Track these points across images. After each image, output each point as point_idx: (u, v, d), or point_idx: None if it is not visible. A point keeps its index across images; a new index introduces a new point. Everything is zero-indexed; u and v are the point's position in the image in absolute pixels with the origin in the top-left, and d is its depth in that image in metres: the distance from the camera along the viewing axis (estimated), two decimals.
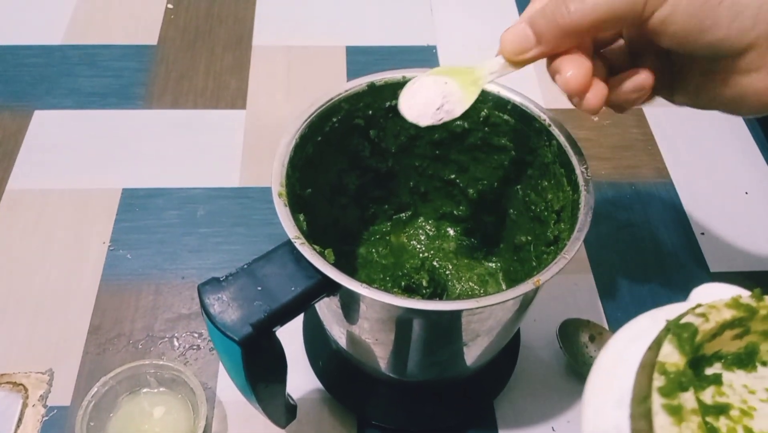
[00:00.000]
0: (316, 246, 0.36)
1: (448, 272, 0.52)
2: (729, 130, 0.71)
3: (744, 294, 0.29)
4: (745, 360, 0.29)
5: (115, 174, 0.64)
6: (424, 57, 0.76)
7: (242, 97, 0.71)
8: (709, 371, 0.28)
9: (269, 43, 0.77)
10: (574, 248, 0.36)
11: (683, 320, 0.27)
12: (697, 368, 0.28)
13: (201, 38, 0.77)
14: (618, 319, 0.56)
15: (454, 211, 0.53)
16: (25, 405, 0.50)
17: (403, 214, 0.54)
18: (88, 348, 0.53)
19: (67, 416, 0.49)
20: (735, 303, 0.28)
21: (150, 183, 0.64)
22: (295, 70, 0.74)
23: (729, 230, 0.63)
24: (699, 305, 0.28)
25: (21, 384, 0.51)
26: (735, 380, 0.28)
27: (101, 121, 0.69)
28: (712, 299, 0.28)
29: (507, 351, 0.51)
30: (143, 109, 0.70)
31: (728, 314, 0.27)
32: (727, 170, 0.68)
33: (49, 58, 0.74)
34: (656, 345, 0.26)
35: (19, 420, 0.49)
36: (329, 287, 0.35)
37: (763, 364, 0.29)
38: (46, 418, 0.49)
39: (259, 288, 0.34)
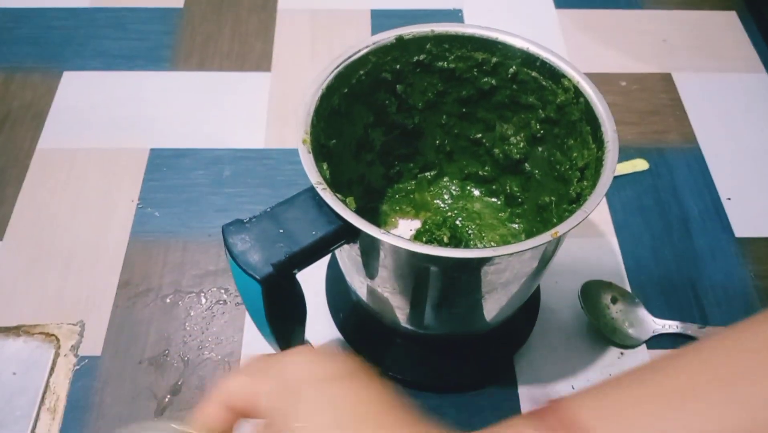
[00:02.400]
0: (338, 194, 0.36)
1: (470, 232, 0.52)
2: (757, 96, 0.70)
3: None
4: None
5: (142, 134, 0.65)
6: (450, 20, 0.74)
7: (267, 59, 0.72)
8: None
9: (294, 6, 0.77)
10: (595, 201, 0.36)
11: None
12: None
13: (227, 1, 0.77)
14: (641, 282, 0.56)
15: (479, 172, 0.53)
16: (57, 355, 0.51)
17: (428, 174, 0.54)
18: (117, 302, 0.54)
19: (98, 365, 0.51)
20: None
21: (177, 144, 0.64)
22: (319, 33, 0.74)
23: (755, 195, 0.62)
24: None
25: (53, 335, 0.53)
26: None
27: (129, 82, 0.69)
28: None
29: (526, 309, 0.52)
30: (169, 71, 0.71)
31: None
32: (754, 136, 0.67)
33: (77, 21, 0.75)
34: None
35: (52, 369, 0.51)
36: (349, 233, 0.36)
37: None
38: (77, 367, 0.51)
39: (281, 231, 0.35)
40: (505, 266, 0.38)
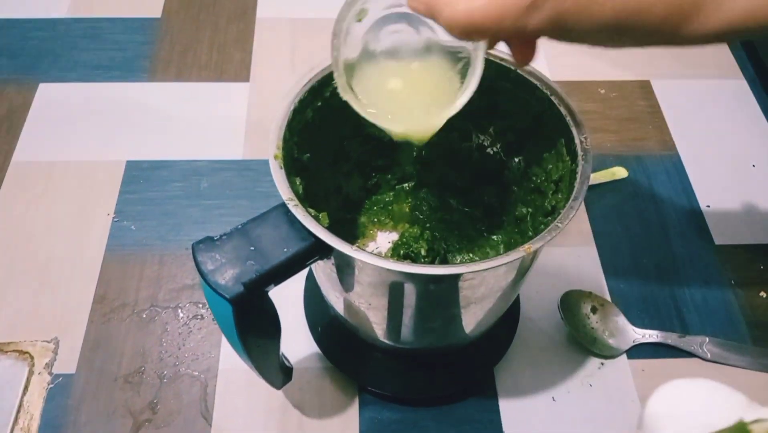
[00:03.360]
0: (311, 209, 0.36)
1: (448, 243, 0.52)
2: (737, 103, 0.70)
3: (706, 402, 0.25)
4: None
5: (119, 146, 0.64)
6: None
7: (246, 69, 0.71)
8: None
9: (273, 15, 0.77)
10: (568, 216, 0.36)
11: None
12: None
13: (205, 10, 0.77)
14: (621, 291, 0.56)
15: (458, 182, 0.53)
16: (31, 373, 0.51)
17: (407, 185, 0.54)
18: (92, 317, 0.53)
19: (72, 383, 0.50)
20: None
21: (154, 155, 0.64)
22: (299, 42, 0.74)
23: (735, 202, 0.62)
24: None
25: (27, 352, 0.52)
26: None
27: (105, 93, 0.69)
28: (673, 415, 0.25)
29: (506, 321, 0.52)
30: (147, 82, 0.70)
31: None
32: (734, 143, 0.67)
33: (54, 32, 0.74)
34: None
35: (26, 387, 0.50)
36: (322, 250, 0.35)
37: None
38: (52, 385, 0.50)
39: (252, 248, 0.35)
40: (480, 281, 0.37)
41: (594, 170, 0.62)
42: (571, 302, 0.53)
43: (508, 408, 0.50)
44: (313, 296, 0.52)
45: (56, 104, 0.68)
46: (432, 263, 0.48)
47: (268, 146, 0.39)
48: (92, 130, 0.66)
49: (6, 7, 0.76)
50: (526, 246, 0.35)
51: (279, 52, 0.73)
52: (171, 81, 0.70)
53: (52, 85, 0.69)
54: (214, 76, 0.71)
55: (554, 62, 0.71)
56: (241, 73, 0.71)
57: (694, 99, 0.70)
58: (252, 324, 0.36)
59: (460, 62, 0.39)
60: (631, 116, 0.68)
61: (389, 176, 0.53)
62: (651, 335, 0.53)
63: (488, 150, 0.49)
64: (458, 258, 0.51)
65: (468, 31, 0.34)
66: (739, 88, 0.72)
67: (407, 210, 0.53)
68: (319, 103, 0.43)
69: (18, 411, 0.49)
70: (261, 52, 0.73)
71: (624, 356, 0.52)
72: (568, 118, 0.40)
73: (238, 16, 0.76)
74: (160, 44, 0.73)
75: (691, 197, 0.62)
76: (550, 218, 0.42)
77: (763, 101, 0.71)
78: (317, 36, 0.75)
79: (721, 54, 0.75)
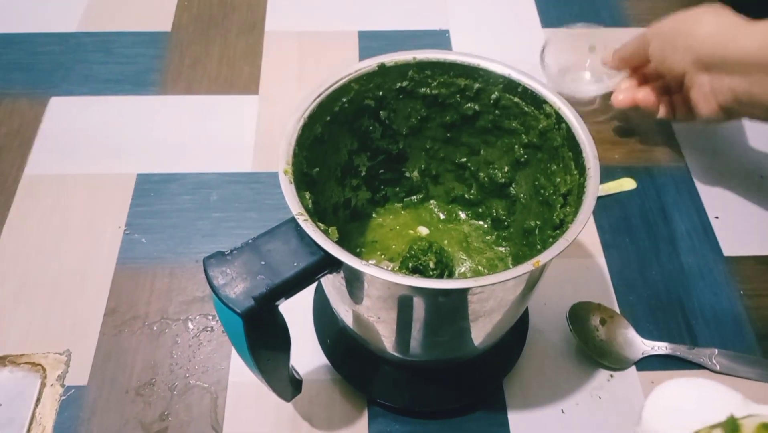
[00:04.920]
0: (320, 224, 0.36)
1: (456, 256, 0.52)
2: None
3: (704, 400, 0.25)
4: None
5: (129, 159, 0.65)
6: (437, 41, 0.76)
7: (255, 82, 0.72)
8: None
9: (282, 29, 0.77)
10: (576, 230, 0.36)
11: None
12: None
13: (214, 25, 0.78)
14: (630, 303, 0.56)
15: (465, 195, 0.53)
16: (43, 385, 0.51)
17: (415, 197, 0.54)
18: (104, 330, 0.54)
19: (84, 395, 0.50)
20: None
21: (164, 168, 0.64)
22: (307, 55, 0.75)
23: (743, 214, 0.62)
24: None
25: (39, 364, 0.52)
26: None
27: (116, 107, 0.69)
28: (670, 411, 0.24)
29: (515, 333, 0.52)
30: (157, 96, 0.71)
31: None
32: (742, 154, 0.67)
33: (65, 46, 0.75)
34: None
35: (38, 400, 0.50)
36: (331, 264, 0.36)
37: None
38: (64, 397, 0.50)
39: (263, 263, 0.35)
40: (489, 295, 0.38)
41: (602, 181, 0.63)
42: (579, 314, 0.53)
43: (517, 421, 0.50)
44: (323, 309, 0.53)
45: (67, 118, 0.68)
46: (440, 275, 0.49)
47: (277, 161, 0.39)
48: (103, 143, 0.66)
49: (17, 22, 0.77)
50: (535, 260, 0.35)
51: (287, 65, 0.74)
52: (181, 94, 0.71)
53: (64, 99, 0.70)
54: (224, 90, 0.71)
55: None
56: (250, 87, 0.71)
57: None
58: (262, 338, 0.37)
59: None
60: (639, 128, 0.69)
61: (397, 189, 0.53)
62: (660, 347, 0.53)
63: (496, 163, 0.49)
64: (467, 271, 0.51)
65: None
66: None
67: (415, 222, 0.54)
68: (328, 118, 0.43)
69: (30, 423, 0.49)
70: (270, 65, 0.74)
71: (633, 368, 0.52)
72: (578, 132, 0.41)
73: (246, 30, 0.77)
74: (170, 58, 0.74)
75: (699, 208, 0.62)
76: (558, 231, 0.42)
77: None
78: (324, 49, 0.75)
79: None
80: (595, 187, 0.38)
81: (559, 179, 0.43)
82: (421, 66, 0.45)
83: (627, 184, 0.63)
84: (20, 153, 0.65)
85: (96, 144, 0.66)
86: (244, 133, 0.67)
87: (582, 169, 0.40)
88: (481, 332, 0.43)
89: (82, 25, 0.77)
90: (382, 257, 0.52)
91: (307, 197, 0.39)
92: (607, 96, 0.66)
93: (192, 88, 0.71)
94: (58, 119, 0.68)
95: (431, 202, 0.54)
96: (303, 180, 0.40)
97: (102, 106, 0.69)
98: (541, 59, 0.67)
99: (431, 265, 0.48)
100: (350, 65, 0.44)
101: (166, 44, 0.76)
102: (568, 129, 0.41)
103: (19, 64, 0.73)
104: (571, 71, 0.69)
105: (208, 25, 0.78)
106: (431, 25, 0.78)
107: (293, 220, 0.36)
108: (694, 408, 0.28)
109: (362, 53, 0.74)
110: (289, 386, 0.44)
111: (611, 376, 0.52)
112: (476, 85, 0.45)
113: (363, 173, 0.50)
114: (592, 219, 0.61)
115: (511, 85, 0.44)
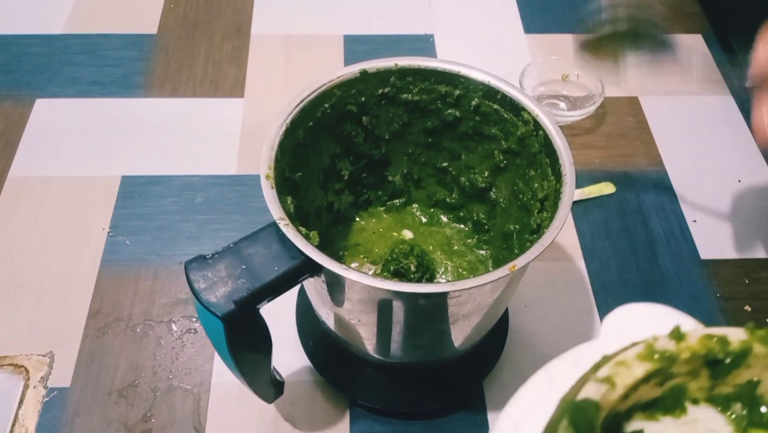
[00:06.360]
0: (301, 228, 0.37)
1: (438, 259, 0.53)
2: (723, 119, 0.72)
3: (662, 321, 0.24)
4: (671, 404, 0.24)
5: (114, 162, 0.65)
6: (422, 46, 0.77)
7: (240, 85, 0.72)
8: (629, 428, 0.24)
9: (268, 32, 0.78)
10: (552, 235, 0.37)
11: (582, 395, 0.21)
12: (614, 427, 0.23)
13: (200, 27, 0.78)
14: (608, 305, 0.57)
15: (447, 199, 0.54)
16: (26, 387, 0.51)
17: (397, 201, 0.55)
18: (87, 331, 0.54)
19: (67, 397, 0.51)
20: (649, 353, 0.23)
21: (149, 171, 0.65)
22: (293, 59, 0.75)
23: (721, 217, 0.63)
24: (604, 360, 0.23)
25: (22, 366, 0.52)
26: (662, 431, 0.24)
27: (102, 109, 0.70)
28: (628, 328, 0.24)
29: (495, 335, 0.52)
30: (143, 98, 0.71)
31: (641, 370, 0.22)
32: (720, 158, 0.68)
33: (51, 48, 0.75)
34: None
35: (21, 401, 0.51)
36: (312, 268, 0.36)
37: (694, 402, 0.24)
38: (47, 399, 0.51)
39: (244, 267, 0.35)
40: (467, 298, 0.38)
41: (582, 185, 0.64)
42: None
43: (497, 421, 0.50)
44: (305, 311, 0.53)
45: (53, 120, 0.69)
46: (422, 278, 0.49)
47: (260, 165, 0.40)
48: (88, 145, 0.66)
49: (3, 23, 0.77)
50: (510, 265, 0.36)
51: (273, 68, 0.74)
52: (166, 97, 0.71)
53: (49, 101, 0.70)
54: (209, 93, 0.72)
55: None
56: (236, 90, 0.72)
57: (682, 115, 0.72)
58: (243, 341, 0.37)
59: None
60: (619, 132, 0.70)
61: (380, 193, 0.54)
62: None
63: (476, 168, 0.50)
64: (448, 273, 0.52)
65: None
66: (725, 104, 0.73)
67: (397, 226, 0.54)
68: (310, 123, 0.44)
69: (13, 424, 0.49)
70: (255, 68, 0.74)
71: None
72: (555, 138, 0.41)
73: (232, 33, 0.77)
74: (156, 60, 0.74)
75: (677, 212, 0.63)
76: (535, 235, 0.43)
77: (749, 118, 0.72)
78: (310, 53, 0.76)
79: (709, 71, 0.76)
80: (571, 194, 0.39)
81: (536, 185, 0.44)
82: (403, 73, 0.46)
83: (606, 188, 0.64)
84: (5, 154, 0.65)
85: (81, 146, 0.66)
86: (230, 136, 0.68)
87: (558, 175, 0.40)
88: (460, 334, 0.44)
89: (69, 27, 0.77)
90: (365, 260, 0.52)
91: (289, 202, 0.40)
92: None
93: (178, 90, 0.72)
94: (43, 121, 0.68)
95: (414, 205, 0.55)
96: (285, 184, 0.41)
97: (87, 108, 0.70)
98: (520, 83, 0.67)
99: (412, 268, 0.49)
100: (332, 72, 0.44)
101: (152, 47, 0.76)
102: (545, 136, 0.42)
103: (5, 65, 0.73)
104: (545, 99, 0.70)
105: (194, 27, 0.78)
106: (416, 30, 0.79)
107: (274, 224, 0.37)
108: (649, 326, 0.28)
109: (348, 57, 0.75)
110: (270, 388, 0.45)
111: None
112: (457, 92, 0.46)
113: (346, 177, 0.50)
114: (572, 223, 0.62)
115: (491, 93, 0.45)
